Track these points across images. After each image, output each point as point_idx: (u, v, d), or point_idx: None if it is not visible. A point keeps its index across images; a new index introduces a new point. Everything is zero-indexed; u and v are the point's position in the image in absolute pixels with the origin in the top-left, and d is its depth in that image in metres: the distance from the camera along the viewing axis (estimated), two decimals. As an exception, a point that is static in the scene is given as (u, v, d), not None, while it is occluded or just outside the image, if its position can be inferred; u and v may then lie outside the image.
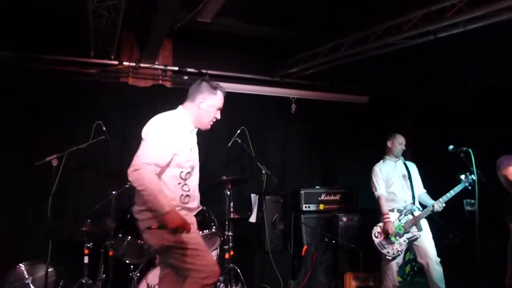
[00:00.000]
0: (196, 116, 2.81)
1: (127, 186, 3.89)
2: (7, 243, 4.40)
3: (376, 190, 4.35)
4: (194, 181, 2.81)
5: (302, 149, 5.86)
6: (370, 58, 4.82)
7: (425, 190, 4.42)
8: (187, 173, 2.73)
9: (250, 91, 5.60)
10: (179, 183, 2.69)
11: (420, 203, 4.33)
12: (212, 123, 2.89)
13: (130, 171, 2.48)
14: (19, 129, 4.54)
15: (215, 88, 2.84)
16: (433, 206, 4.07)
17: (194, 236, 2.69)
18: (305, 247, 5.07)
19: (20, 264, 4.11)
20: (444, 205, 4.06)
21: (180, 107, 2.87)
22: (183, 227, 2.45)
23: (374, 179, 4.37)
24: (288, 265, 5.03)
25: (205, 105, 2.80)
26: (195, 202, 2.83)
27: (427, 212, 4.12)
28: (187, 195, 2.73)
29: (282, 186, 5.38)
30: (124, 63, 5.04)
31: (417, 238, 4.11)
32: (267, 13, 4.73)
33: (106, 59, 4.91)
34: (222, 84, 5.22)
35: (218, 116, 2.90)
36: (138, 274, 3.93)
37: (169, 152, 2.59)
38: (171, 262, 2.70)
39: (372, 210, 5.10)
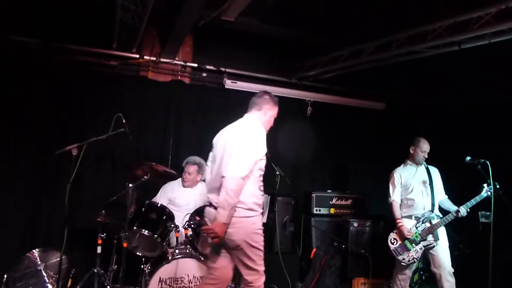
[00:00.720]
0: (262, 123, 3.22)
1: (143, 179, 3.93)
2: (24, 228, 4.47)
3: (390, 196, 4.35)
4: None
5: (316, 152, 5.85)
6: (389, 64, 4.82)
7: (446, 196, 4.37)
8: (262, 175, 3.11)
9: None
10: (259, 185, 3.07)
11: (442, 209, 4.30)
12: None
13: (229, 177, 2.79)
14: (42, 116, 4.59)
15: (276, 101, 3.31)
16: (457, 211, 4.04)
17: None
18: (314, 250, 5.08)
19: (34, 251, 4.17)
20: (468, 210, 4.04)
21: (250, 115, 3.28)
22: (216, 240, 2.86)
23: (390, 185, 4.38)
24: (296, 267, 5.06)
25: (269, 115, 3.27)
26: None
27: (449, 218, 4.09)
28: (262, 195, 3.11)
29: (294, 188, 5.40)
30: (145, 57, 5.07)
31: (433, 247, 4.11)
32: (290, 15, 4.74)
33: (127, 52, 4.95)
34: (239, 83, 5.45)
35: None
36: (149, 267, 3.97)
37: (255, 160, 2.96)
38: (242, 259, 2.95)
39: (383, 217, 5.13)
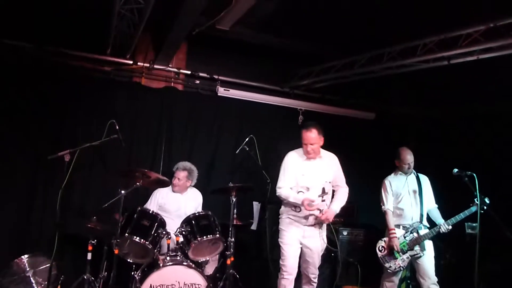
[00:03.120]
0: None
1: (135, 186, 3.93)
2: (15, 232, 4.43)
3: (383, 205, 4.42)
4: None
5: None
6: (380, 75, 4.90)
7: (436, 206, 4.45)
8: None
9: (259, 100, 5.66)
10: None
11: (430, 219, 4.37)
12: (309, 154, 3.94)
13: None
14: (34, 120, 4.57)
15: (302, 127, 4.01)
16: (440, 227, 4.14)
17: None
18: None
19: (22, 257, 4.13)
20: (450, 227, 4.13)
21: None
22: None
23: (382, 193, 4.45)
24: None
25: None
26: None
27: (433, 232, 4.18)
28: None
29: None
30: (139, 63, 5.09)
31: (420, 257, 4.19)
32: (284, 25, 4.80)
33: (121, 58, 4.97)
34: (232, 91, 5.48)
35: (306, 149, 3.95)
36: (140, 274, 3.96)
37: None
38: None
39: (373, 226, 5.19)
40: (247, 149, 4.79)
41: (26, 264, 4.11)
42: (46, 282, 3.95)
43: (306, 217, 3.89)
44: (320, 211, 3.83)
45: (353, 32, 4.65)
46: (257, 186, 5.23)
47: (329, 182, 3.97)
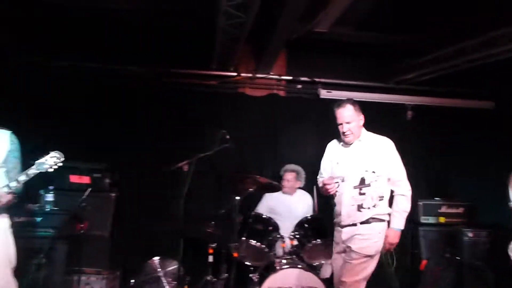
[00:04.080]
0: None
1: (249, 192, 4.11)
2: (144, 239, 4.94)
3: (510, 201, 3.98)
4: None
5: (418, 158, 5.57)
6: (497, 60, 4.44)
7: None
8: None
9: (363, 98, 5.49)
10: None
11: None
12: (346, 136, 3.28)
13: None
14: (152, 136, 5.08)
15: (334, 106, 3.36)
16: None
17: None
18: (424, 261, 4.83)
19: (154, 258, 4.57)
20: None
21: None
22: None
23: (510, 189, 4.00)
24: (407, 279, 4.84)
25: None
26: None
27: None
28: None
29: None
30: (242, 74, 5.33)
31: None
32: (385, 19, 4.63)
33: (225, 71, 5.26)
34: (334, 92, 5.42)
35: (342, 130, 3.29)
36: (258, 277, 4.11)
37: None
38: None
39: (498, 225, 4.70)
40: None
41: (158, 265, 4.54)
42: (175, 282, 4.30)
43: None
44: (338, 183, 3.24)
45: (459, 18, 4.29)
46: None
47: (373, 172, 3.19)
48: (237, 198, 4.00)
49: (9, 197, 2.91)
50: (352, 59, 5.55)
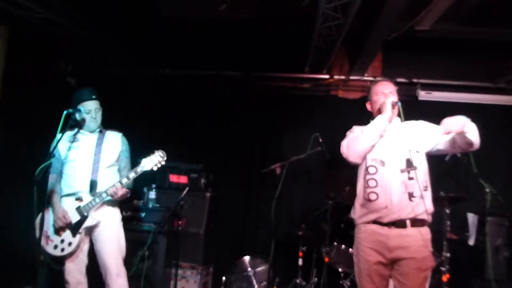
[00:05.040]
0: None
1: (341, 195, 4.04)
2: (237, 236, 5.09)
3: None
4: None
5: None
6: None
7: None
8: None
9: (467, 100, 5.09)
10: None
11: None
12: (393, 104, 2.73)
13: None
14: (246, 137, 5.22)
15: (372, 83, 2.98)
16: None
17: None
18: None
19: (245, 257, 4.68)
20: None
21: None
22: None
23: None
24: None
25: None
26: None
27: None
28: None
29: (507, 207, 4.71)
30: (335, 76, 5.24)
31: None
32: (494, 12, 4.21)
33: (318, 73, 5.20)
34: (435, 93, 5.08)
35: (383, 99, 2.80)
36: (348, 283, 4.01)
37: None
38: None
39: None
40: (459, 155, 4.33)
41: (248, 264, 4.64)
42: (265, 282, 4.37)
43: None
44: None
45: None
46: (471, 195, 4.71)
47: (417, 152, 2.68)
48: (330, 202, 3.93)
49: (124, 190, 3.20)
50: (456, 58, 5.12)
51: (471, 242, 4.53)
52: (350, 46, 5.15)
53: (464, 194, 4.25)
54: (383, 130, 2.71)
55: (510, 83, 5.06)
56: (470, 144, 2.59)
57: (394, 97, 2.76)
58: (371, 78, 5.26)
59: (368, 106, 2.98)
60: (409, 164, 2.62)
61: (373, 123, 2.74)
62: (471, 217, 4.64)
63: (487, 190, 4.21)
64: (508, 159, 5.02)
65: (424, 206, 2.57)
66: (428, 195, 2.66)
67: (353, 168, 3.65)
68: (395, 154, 2.67)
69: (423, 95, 5.07)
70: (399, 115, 2.74)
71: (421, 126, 2.83)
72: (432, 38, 4.68)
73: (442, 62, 5.18)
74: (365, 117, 5.07)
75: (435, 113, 5.06)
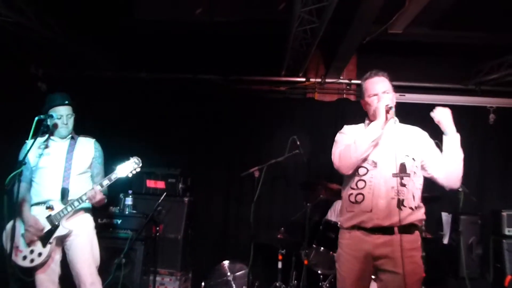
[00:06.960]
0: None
1: (319, 198, 4.06)
2: (214, 243, 5.05)
3: None
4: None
5: (503, 164, 5.17)
6: None
7: None
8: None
9: (440, 101, 5.18)
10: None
11: None
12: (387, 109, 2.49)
13: None
14: (223, 142, 5.19)
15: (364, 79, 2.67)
16: None
17: None
18: (508, 277, 4.45)
19: (224, 262, 4.64)
20: None
21: None
22: None
23: None
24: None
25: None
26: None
27: None
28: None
29: (480, 206, 4.85)
30: (311, 79, 5.29)
31: None
32: (463, 18, 4.35)
33: (294, 76, 5.24)
34: (408, 95, 5.18)
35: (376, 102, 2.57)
36: (327, 285, 4.03)
37: None
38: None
39: None
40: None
41: (227, 269, 4.61)
42: (244, 286, 4.34)
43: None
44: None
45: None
46: (445, 195, 4.83)
47: (413, 160, 2.48)
48: (308, 204, 3.95)
49: (102, 195, 3.11)
50: (427, 61, 5.28)
51: (445, 240, 4.64)
52: (326, 49, 5.21)
53: (438, 194, 4.32)
54: (377, 138, 2.46)
55: (479, 85, 5.22)
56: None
57: (388, 99, 2.54)
58: (346, 81, 5.34)
59: (362, 104, 2.71)
60: (403, 169, 2.39)
61: (366, 131, 2.48)
62: (445, 216, 4.75)
63: (460, 189, 4.31)
64: (479, 159, 5.17)
65: (415, 214, 2.44)
66: (420, 205, 2.52)
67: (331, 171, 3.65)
68: (389, 156, 2.45)
69: (396, 97, 5.12)
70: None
71: (425, 137, 2.64)
72: (405, 42, 4.78)
73: (415, 65, 5.31)
74: (340, 120, 5.20)
75: (409, 114, 5.22)
